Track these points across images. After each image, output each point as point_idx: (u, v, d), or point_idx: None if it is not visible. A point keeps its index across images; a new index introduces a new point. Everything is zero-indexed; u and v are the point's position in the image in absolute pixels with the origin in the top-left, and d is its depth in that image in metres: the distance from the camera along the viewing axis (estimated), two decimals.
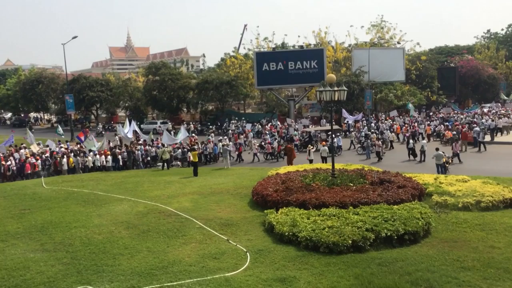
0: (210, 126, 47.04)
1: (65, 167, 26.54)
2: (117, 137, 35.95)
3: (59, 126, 41.41)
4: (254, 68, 49.20)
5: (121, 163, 27.56)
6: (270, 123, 43.99)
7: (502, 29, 72.61)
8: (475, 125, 33.81)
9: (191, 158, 24.69)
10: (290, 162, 25.24)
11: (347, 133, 38.55)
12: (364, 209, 13.22)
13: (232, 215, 14.83)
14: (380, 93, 48.32)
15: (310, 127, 38.26)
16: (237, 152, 29.72)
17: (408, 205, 13.59)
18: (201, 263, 10.91)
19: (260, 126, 42.50)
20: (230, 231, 13.28)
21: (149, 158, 29.14)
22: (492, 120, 35.87)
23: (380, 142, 27.92)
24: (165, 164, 26.70)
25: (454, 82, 56.64)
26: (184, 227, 13.71)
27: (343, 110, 39.33)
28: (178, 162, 28.60)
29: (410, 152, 27.30)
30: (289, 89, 56.44)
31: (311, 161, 25.13)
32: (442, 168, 21.45)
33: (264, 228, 13.29)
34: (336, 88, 16.90)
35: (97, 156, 27.42)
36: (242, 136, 35.52)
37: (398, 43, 56.55)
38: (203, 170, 24.91)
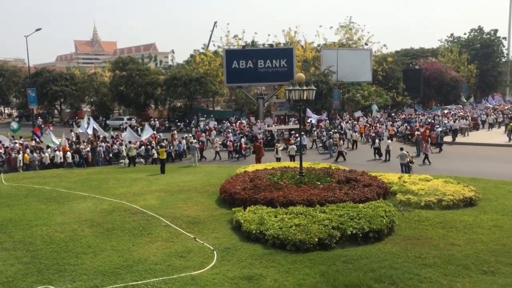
0: (178, 123, 46.56)
1: (21, 163, 25.57)
2: (73, 133, 34.83)
3: (14, 121, 39.99)
4: (223, 66, 49.03)
5: (81, 160, 26.79)
6: (239, 121, 43.96)
7: (465, 33, 75.07)
8: (438, 126, 34.87)
9: (159, 155, 24.33)
10: (258, 160, 25.29)
11: (310, 132, 38.64)
12: (330, 208, 13.39)
13: (199, 213, 14.72)
14: (347, 93, 49.12)
15: (273, 126, 38.32)
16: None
17: (373, 203, 13.85)
18: (167, 261, 10.78)
19: (229, 124, 42.39)
20: (197, 229, 13.18)
21: (111, 155, 28.52)
22: (454, 122, 37.08)
23: (341, 142, 28.24)
24: (132, 161, 26.23)
25: (419, 83, 58.25)
26: (150, 225, 13.51)
27: (307, 110, 39.59)
28: (142, 160, 28.11)
29: (376, 151, 27.86)
30: (259, 87, 56.58)
31: (278, 159, 25.27)
32: (406, 168, 21.99)
33: (231, 226, 13.26)
34: (305, 87, 17.04)
35: (57, 152, 26.61)
36: (204, 134, 35.21)
37: (366, 44, 57.67)
38: (170, 167, 24.62)
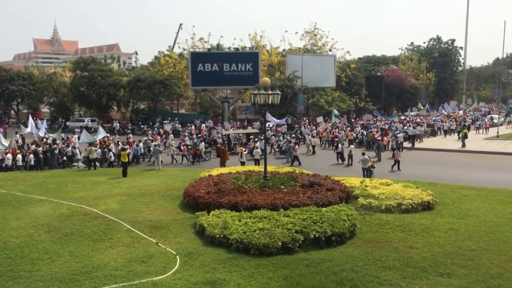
0: (142, 126, 45.80)
1: None
2: (17, 135, 33.26)
3: None
4: (188, 68, 48.61)
5: (36, 162, 25.77)
6: (204, 124, 43.69)
7: (424, 42, 77.70)
8: (398, 132, 35.87)
9: (121, 158, 23.80)
10: (223, 164, 25.19)
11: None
12: (294, 211, 13.49)
13: (162, 217, 14.50)
14: (312, 98, 49.78)
15: (231, 130, 38.15)
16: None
17: (336, 207, 14.07)
18: (128, 267, 10.54)
19: (194, 127, 42.01)
20: (159, 233, 12.97)
21: (64, 158, 27.62)
22: (414, 128, 38.25)
23: (297, 147, 28.34)
24: (92, 163, 25.55)
25: (380, 90, 59.84)
26: (111, 230, 13.18)
27: (267, 113, 39.62)
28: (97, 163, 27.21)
29: (339, 156, 28.34)
30: (224, 91, 56.46)
31: (243, 163, 25.28)
32: (368, 172, 22.48)
33: (195, 230, 13.13)
34: (270, 92, 17.12)
35: (8, 155, 25.48)
36: (159, 138, 34.30)
37: (330, 50, 58.67)
38: (133, 170, 24.16)
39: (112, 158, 27.10)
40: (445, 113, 53.89)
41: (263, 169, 18.39)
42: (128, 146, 28.39)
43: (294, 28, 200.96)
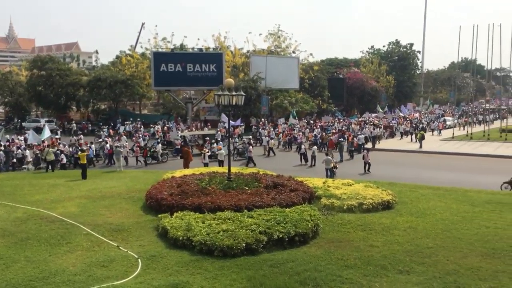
0: (103, 126, 44.75)
1: None
2: None
3: None
4: (151, 68, 47.93)
5: None
6: (166, 125, 43.15)
7: (384, 46, 79.86)
8: (359, 133, 36.66)
9: (79, 160, 23.13)
10: (186, 166, 24.94)
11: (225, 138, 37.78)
12: (258, 212, 13.52)
13: (124, 220, 14.18)
14: (276, 99, 50.15)
15: (186, 131, 37.73)
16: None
17: (299, 207, 14.19)
18: (87, 271, 10.24)
19: (157, 128, 41.37)
20: (120, 237, 12.68)
21: (14, 160, 26.55)
22: (373, 129, 39.18)
23: (251, 148, 28.24)
24: (50, 165, 24.71)
25: (342, 92, 61.08)
26: (69, 234, 12.78)
27: (222, 114, 39.50)
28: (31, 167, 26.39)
29: (302, 157, 28.65)
30: (187, 91, 55.97)
31: (206, 165, 25.13)
32: (331, 172, 22.85)
33: (157, 233, 12.92)
34: (234, 93, 17.12)
35: None
36: (110, 139, 33.32)
37: (293, 52, 59.33)
38: (93, 172, 23.54)
39: (64, 161, 26.24)
40: (402, 115, 55.43)
41: (227, 170, 18.34)
42: (85, 147, 27.58)
43: (258, 30, 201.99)
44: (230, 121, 38.96)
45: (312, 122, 47.14)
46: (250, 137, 33.39)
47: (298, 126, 42.91)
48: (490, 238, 12.49)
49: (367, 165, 25.05)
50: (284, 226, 12.29)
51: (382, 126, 43.77)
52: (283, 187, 16.53)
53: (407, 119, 50.97)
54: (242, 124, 41.56)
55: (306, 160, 28.38)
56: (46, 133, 29.60)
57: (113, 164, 27.33)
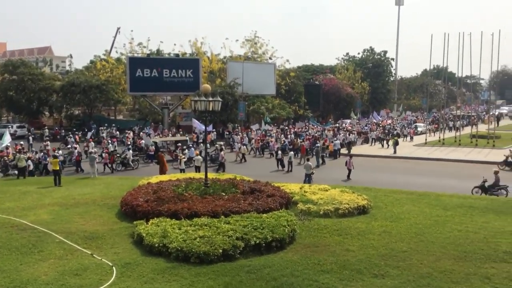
0: (76, 132, 43.91)
1: None
2: None
3: None
4: (127, 73, 47.36)
5: None
6: (143, 131, 42.67)
7: (359, 53, 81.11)
8: (335, 139, 37.08)
9: (52, 166, 22.62)
10: (162, 172, 24.70)
11: (197, 144, 36.50)
12: (235, 218, 13.49)
13: (98, 228, 13.94)
14: (252, 105, 50.26)
15: (157, 138, 37.25)
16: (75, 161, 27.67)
17: (276, 213, 14.24)
18: (60, 280, 10.01)
19: (132, 134, 40.84)
20: (95, 244, 12.45)
21: None
22: (349, 135, 39.66)
23: (223, 153, 28.14)
24: (21, 172, 24.07)
25: (318, 98, 61.70)
26: (42, 242, 12.48)
27: (193, 119, 39.26)
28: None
29: (279, 162, 28.78)
30: (164, 97, 55.51)
31: (182, 171, 24.95)
32: (309, 178, 23.03)
33: (133, 240, 12.75)
34: (211, 99, 17.09)
35: None
36: (77, 146, 32.43)
37: (270, 58, 59.64)
38: (67, 179, 23.06)
39: (31, 167, 25.58)
40: (375, 121, 56.18)
41: (203, 176, 18.25)
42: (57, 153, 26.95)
43: (235, 36, 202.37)
44: (201, 126, 38.95)
45: (286, 128, 47.16)
46: (222, 143, 33.29)
47: (271, 132, 42.76)
48: (462, 242, 12.80)
49: (349, 172, 25.04)
50: (261, 232, 12.30)
51: (356, 132, 44.30)
52: (260, 192, 16.56)
53: (380, 125, 51.75)
54: (214, 130, 41.36)
55: (283, 166, 28.52)
56: (7, 139, 28.58)
57: (80, 171, 26.81)
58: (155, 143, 33.37)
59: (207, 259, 11.06)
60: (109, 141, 34.39)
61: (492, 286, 9.97)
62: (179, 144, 32.18)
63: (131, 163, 28.63)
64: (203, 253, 11.12)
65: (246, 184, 17.94)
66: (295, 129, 45.44)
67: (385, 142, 39.67)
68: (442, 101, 64.09)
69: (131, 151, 29.95)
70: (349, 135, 40.01)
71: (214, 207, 14.43)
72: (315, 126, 48.96)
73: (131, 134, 39.98)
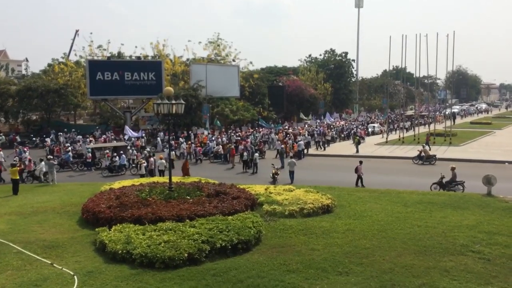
0: (34, 138, 42.38)
1: None
2: None
3: None
4: (86, 77, 46.20)
5: None
6: (104, 135, 41.64)
7: (320, 55, 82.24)
8: (299, 139, 37.37)
9: (11, 175, 21.73)
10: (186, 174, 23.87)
11: (142, 149, 34.51)
12: (200, 221, 13.41)
13: (58, 236, 13.52)
14: (217, 107, 50.07)
15: (91, 144, 35.98)
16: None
17: (241, 215, 14.25)
18: None
19: (94, 139, 39.67)
20: (55, 253, 12.07)
21: None
22: (309, 135, 39.94)
23: (152, 160, 26.99)
24: None
25: (282, 99, 62.20)
26: None
27: (126, 127, 38.69)
28: None
29: (245, 164, 28.80)
30: (126, 100, 54.48)
31: (143, 176, 24.54)
32: (292, 175, 23.91)
33: (95, 247, 12.45)
34: (173, 101, 16.95)
35: None
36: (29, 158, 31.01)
37: (233, 60, 59.61)
38: (24, 187, 22.22)
39: None
40: (328, 122, 56.35)
41: (168, 180, 18.03)
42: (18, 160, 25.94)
43: (197, 38, 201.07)
44: (132, 133, 38.20)
45: (230, 131, 45.48)
46: (149, 149, 32.91)
47: (215, 135, 40.52)
48: (421, 237, 13.22)
49: (359, 179, 22.57)
50: (227, 234, 12.28)
51: (307, 133, 43.35)
52: (225, 195, 16.53)
53: (332, 127, 51.30)
54: (143, 135, 40.51)
55: (249, 168, 28.57)
56: None
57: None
58: (93, 149, 32.08)
59: (173, 264, 10.93)
60: (22, 150, 32.30)
61: (451, 278, 10.35)
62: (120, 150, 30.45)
63: (43, 177, 24.57)
64: (168, 258, 10.98)
65: (211, 187, 17.87)
66: (241, 133, 43.32)
67: (320, 144, 38.36)
68: (401, 100, 65.88)
69: (43, 162, 25.14)
70: (309, 135, 40.02)
71: (179, 211, 14.30)
72: (264, 129, 48.16)
73: (49, 141, 37.83)
